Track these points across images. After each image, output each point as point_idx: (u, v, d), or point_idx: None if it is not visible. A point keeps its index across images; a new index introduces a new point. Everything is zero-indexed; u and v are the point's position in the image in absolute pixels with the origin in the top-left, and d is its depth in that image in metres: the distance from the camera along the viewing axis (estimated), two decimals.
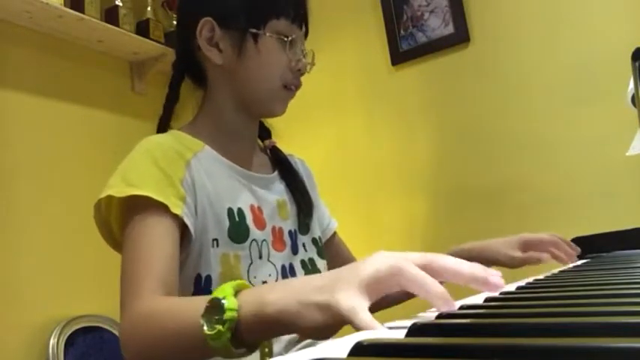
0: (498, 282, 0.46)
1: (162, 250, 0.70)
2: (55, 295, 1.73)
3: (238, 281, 0.55)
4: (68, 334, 1.66)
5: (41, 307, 1.69)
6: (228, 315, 0.51)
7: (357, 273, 0.46)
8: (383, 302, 0.90)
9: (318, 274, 0.53)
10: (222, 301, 0.51)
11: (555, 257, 0.99)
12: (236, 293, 0.53)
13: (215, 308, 0.52)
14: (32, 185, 1.76)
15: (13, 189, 1.71)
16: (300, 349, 0.74)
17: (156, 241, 0.70)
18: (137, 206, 0.72)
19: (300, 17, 0.87)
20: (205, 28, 0.84)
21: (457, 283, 0.46)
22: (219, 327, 0.51)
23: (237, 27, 0.84)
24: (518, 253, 0.99)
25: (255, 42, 0.83)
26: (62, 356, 1.63)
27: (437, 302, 0.43)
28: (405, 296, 0.86)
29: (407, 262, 0.44)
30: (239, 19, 0.83)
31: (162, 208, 0.72)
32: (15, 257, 1.67)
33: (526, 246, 1.00)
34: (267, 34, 0.83)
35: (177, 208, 0.73)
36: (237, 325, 0.51)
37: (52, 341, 1.63)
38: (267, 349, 0.57)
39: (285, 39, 0.84)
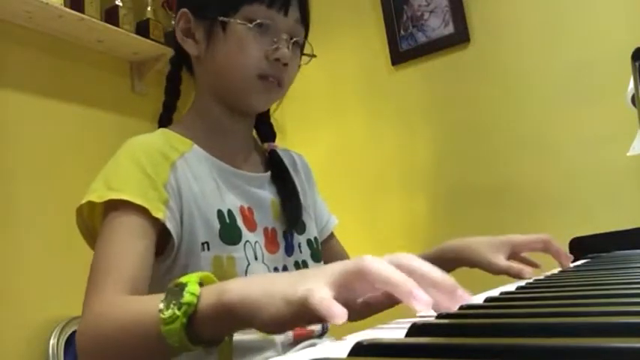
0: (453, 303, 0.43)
1: (132, 248, 0.67)
2: (55, 295, 1.73)
3: (205, 273, 0.54)
4: (68, 334, 1.66)
5: (41, 307, 1.68)
6: (186, 298, 0.49)
7: (326, 270, 0.45)
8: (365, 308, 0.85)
9: (285, 272, 0.51)
10: (184, 285, 0.50)
11: (556, 258, 0.90)
12: (201, 284, 0.52)
13: (175, 293, 0.51)
14: (32, 185, 1.76)
15: (13, 189, 1.71)
16: (300, 349, 0.73)
17: (126, 239, 0.68)
18: (116, 209, 0.70)
19: (283, 1, 0.80)
20: (182, 19, 0.84)
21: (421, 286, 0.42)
22: (175, 310, 0.49)
23: (209, 16, 0.81)
24: (500, 259, 0.88)
25: (224, 30, 0.80)
26: (62, 356, 1.62)
27: (405, 298, 0.40)
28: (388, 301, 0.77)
29: (374, 260, 0.43)
30: (210, 7, 0.81)
31: (142, 211, 0.69)
32: (15, 257, 1.67)
33: (514, 250, 0.90)
34: (234, 21, 0.79)
35: (158, 212, 0.70)
36: (195, 314, 0.49)
37: (52, 341, 1.63)
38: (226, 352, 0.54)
39: (252, 24, 0.79)
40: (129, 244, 0.68)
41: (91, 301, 0.64)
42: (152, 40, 2.11)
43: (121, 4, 2.06)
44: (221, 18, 0.80)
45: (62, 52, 1.94)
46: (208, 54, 0.82)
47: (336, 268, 0.44)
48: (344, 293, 0.43)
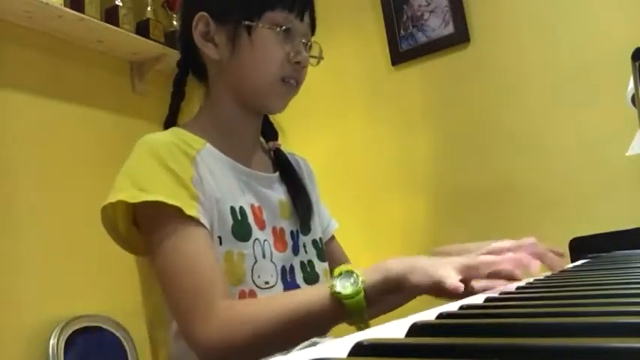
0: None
1: (213, 258, 0.73)
2: (55, 295, 1.73)
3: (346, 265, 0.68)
4: (68, 334, 1.66)
5: (41, 307, 1.68)
6: (362, 277, 0.64)
7: (453, 259, 0.63)
8: (385, 306, 0.89)
9: (424, 257, 0.66)
10: (353, 271, 0.65)
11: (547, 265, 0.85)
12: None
13: (345, 277, 0.65)
14: (32, 185, 1.76)
15: (13, 189, 1.71)
16: (300, 349, 0.73)
17: (204, 249, 0.73)
18: (154, 213, 0.73)
19: (300, 7, 0.84)
20: (200, 22, 0.84)
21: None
22: (356, 287, 0.63)
23: (231, 20, 0.83)
24: None
25: (249, 34, 0.82)
26: (62, 356, 1.62)
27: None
28: (403, 301, 0.86)
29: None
30: (233, 12, 0.82)
31: (178, 212, 0.72)
32: (15, 257, 1.67)
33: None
34: (261, 26, 0.81)
35: (191, 209, 0.73)
36: (366, 287, 0.64)
37: (52, 341, 1.63)
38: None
39: (278, 29, 0.82)
40: (206, 256, 0.73)
41: (209, 313, 0.68)
42: (152, 40, 2.11)
43: (121, 4, 2.06)
44: (246, 22, 0.82)
45: (62, 52, 1.94)
46: (233, 58, 0.83)
47: (460, 259, 0.62)
48: (463, 275, 0.61)
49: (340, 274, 0.65)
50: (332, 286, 0.65)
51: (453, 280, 0.59)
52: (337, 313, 0.65)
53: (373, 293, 0.64)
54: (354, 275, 0.65)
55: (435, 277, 0.60)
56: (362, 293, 0.63)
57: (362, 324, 0.67)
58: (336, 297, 0.64)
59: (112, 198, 0.74)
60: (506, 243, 0.89)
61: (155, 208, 0.72)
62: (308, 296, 0.67)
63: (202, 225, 0.74)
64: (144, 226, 0.76)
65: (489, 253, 0.65)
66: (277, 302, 0.69)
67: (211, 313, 0.68)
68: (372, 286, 0.64)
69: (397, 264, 0.65)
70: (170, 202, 0.71)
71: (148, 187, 0.73)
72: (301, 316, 0.66)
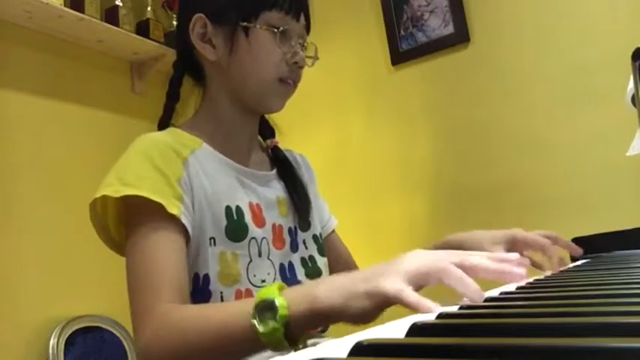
0: (519, 273, 0.52)
1: (173, 259, 0.71)
2: (55, 295, 1.73)
3: (277, 283, 0.60)
4: (68, 334, 1.66)
5: (41, 307, 1.68)
6: (281, 312, 0.55)
7: (401, 265, 0.52)
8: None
9: (360, 270, 0.57)
10: (275, 301, 0.56)
11: (536, 265, 0.87)
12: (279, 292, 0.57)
13: (266, 308, 0.56)
14: (32, 185, 1.76)
15: (13, 189, 1.71)
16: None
17: (166, 249, 0.70)
18: (136, 208, 0.72)
19: (296, 8, 0.85)
20: (197, 24, 0.84)
21: (486, 278, 0.52)
22: (274, 324, 0.55)
23: (229, 21, 0.83)
24: (499, 251, 0.84)
25: (247, 35, 0.82)
26: (62, 356, 1.63)
27: (473, 296, 0.48)
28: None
29: (447, 262, 0.51)
30: (230, 13, 0.83)
31: (160, 209, 0.71)
32: (15, 257, 1.67)
33: (514, 244, 0.87)
34: (258, 27, 0.82)
35: (174, 208, 0.72)
36: (289, 322, 0.55)
37: (52, 341, 1.63)
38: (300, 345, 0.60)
39: (276, 30, 0.82)
40: (169, 254, 0.70)
41: (151, 314, 0.66)
42: (152, 40, 2.11)
43: (121, 4, 2.06)
44: (244, 23, 0.82)
45: (62, 52, 1.94)
46: (231, 59, 0.84)
47: (412, 264, 0.52)
48: (415, 286, 0.51)
49: (261, 303, 0.57)
50: (251, 315, 0.57)
51: (411, 294, 0.49)
52: (256, 344, 0.57)
53: (299, 326, 0.56)
54: (276, 307, 0.55)
55: (381, 295, 0.51)
56: (281, 331, 0.55)
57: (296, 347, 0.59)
58: (253, 329, 0.57)
59: (98, 193, 0.74)
60: (522, 233, 0.89)
61: (138, 203, 0.71)
62: (232, 317, 0.60)
63: (182, 225, 0.73)
64: (126, 222, 0.75)
65: (463, 262, 0.52)
66: (207, 316, 0.64)
67: (148, 317, 0.66)
68: (297, 319, 0.55)
69: (328, 292, 0.54)
70: (153, 197, 0.71)
71: (132, 182, 0.72)
72: (224, 336, 0.60)
